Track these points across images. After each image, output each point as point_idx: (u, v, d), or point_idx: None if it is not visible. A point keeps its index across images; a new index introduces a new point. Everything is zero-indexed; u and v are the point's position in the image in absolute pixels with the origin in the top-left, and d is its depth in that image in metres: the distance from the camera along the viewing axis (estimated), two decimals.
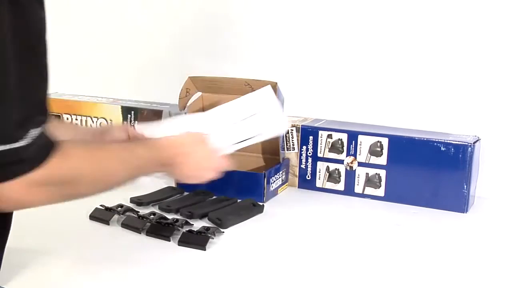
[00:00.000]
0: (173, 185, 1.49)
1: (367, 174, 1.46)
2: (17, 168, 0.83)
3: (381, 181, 1.45)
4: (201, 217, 1.30)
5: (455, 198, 1.38)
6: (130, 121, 1.71)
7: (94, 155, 0.96)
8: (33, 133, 0.83)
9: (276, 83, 1.43)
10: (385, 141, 1.43)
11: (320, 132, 1.50)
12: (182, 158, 1.09)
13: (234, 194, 1.40)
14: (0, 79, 0.80)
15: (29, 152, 0.83)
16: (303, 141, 1.51)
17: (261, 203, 1.37)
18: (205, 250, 1.15)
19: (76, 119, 1.76)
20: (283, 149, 1.52)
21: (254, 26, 1.70)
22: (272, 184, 1.45)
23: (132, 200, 1.37)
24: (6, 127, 0.81)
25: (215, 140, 1.14)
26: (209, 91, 1.56)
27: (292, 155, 1.53)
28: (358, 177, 1.47)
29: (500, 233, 1.29)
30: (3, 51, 0.80)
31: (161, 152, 1.06)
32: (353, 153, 1.47)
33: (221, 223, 1.25)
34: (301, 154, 1.52)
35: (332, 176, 1.49)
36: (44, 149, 0.86)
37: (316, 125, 1.52)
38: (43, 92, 0.86)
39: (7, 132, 0.81)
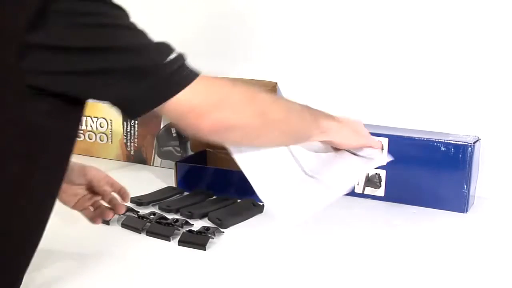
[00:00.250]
0: (173, 185, 1.49)
1: (367, 174, 1.46)
2: (189, 72, 0.90)
3: (381, 181, 1.45)
4: (201, 217, 1.30)
5: (455, 198, 1.38)
6: (130, 121, 1.71)
7: None
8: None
9: (276, 83, 1.43)
10: (385, 141, 1.43)
11: None
12: (344, 119, 1.13)
13: (234, 194, 1.40)
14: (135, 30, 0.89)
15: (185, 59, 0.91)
16: None
17: (261, 203, 1.37)
18: (205, 250, 1.15)
19: None
20: None
21: (254, 26, 1.70)
22: None
23: (132, 200, 1.37)
24: (159, 46, 0.90)
25: None
26: None
27: None
28: None
29: (500, 233, 1.29)
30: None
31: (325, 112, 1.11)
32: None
33: (221, 223, 1.25)
34: None
35: None
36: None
37: None
38: None
39: (163, 49, 0.89)
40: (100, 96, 0.86)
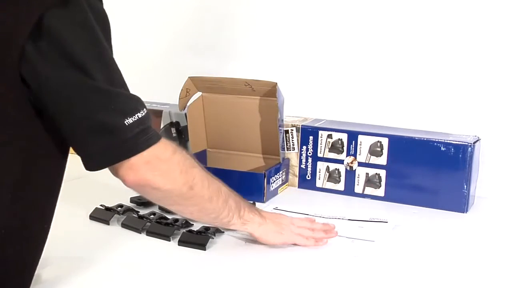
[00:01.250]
0: None
1: (367, 174, 1.46)
2: (149, 136, 0.91)
3: (381, 181, 1.45)
4: None
5: (455, 198, 1.38)
6: None
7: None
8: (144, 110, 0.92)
9: (276, 83, 1.43)
10: (385, 141, 1.43)
11: (320, 132, 1.50)
12: (269, 216, 1.19)
13: None
14: (113, 68, 0.91)
15: (150, 122, 0.92)
16: (303, 141, 1.51)
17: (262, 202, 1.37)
18: (205, 250, 1.15)
19: None
20: (283, 149, 1.52)
21: (254, 26, 1.70)
22: (272, 184, 1.45)
23: (132, 200, 1.37)
24: (128, 101, 0.91)
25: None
26: (209, 91, 1.56)
27: (292, 155, 1.53)
28: (358, 177, 1.47)
29: (500, 233, 1.29)
30: (104, 43, 0.90)
31: (252, 206, 1.19)
32: (353, 153, 1.47)
33: None
34: (301, 154, 1.52)
35: (332, 176, 1.49)
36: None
37: (316, 125, 1.52)
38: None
39: (131, 104, 0.90)
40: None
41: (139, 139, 0.90)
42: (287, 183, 1.53)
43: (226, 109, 1.56)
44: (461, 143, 1.37)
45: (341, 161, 1.48)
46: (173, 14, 1.80)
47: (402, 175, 1.43)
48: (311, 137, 1.51)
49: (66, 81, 0.86)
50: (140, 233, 1.22)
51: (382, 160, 1.44)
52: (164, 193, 0.98)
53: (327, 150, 1.49)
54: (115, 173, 0.93)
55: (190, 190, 1.00)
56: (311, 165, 1.51)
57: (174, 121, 1.66)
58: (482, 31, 1.46)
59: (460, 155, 1.37)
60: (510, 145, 1.47)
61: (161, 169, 0.94)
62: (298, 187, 1.54)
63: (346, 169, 1.48)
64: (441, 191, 1.39)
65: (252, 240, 1.19)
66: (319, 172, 1.51)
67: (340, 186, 1.49)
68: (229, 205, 1.10)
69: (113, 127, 0.88)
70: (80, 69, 0.85)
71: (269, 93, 1.47)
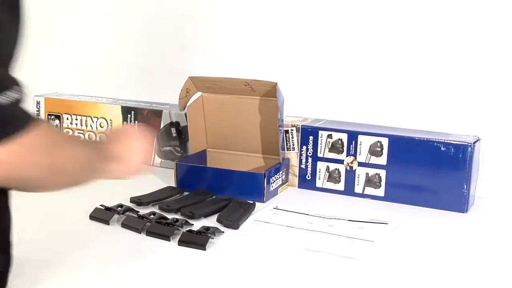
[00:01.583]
0: (173, 185, 1.49)
1: (367, 174, 1.46)
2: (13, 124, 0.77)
3: (381, 181, 1.45)
4: (205, 216, 1.30)
5: (455, 198, 1.38)
6: (130, 121, 1.71)
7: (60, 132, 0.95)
8: (13, 94, 0.76)
9: (276, 83, 1.43)
10: (385, 141, 1.43)
11: (320, 132, 1.50)
12: (116, 155, 1.02)
13: (234, 194, 1.40)
14: None
15: (16, 111, 0.77)
16: (303, 141, 1.51)
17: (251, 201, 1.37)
18: (205, 250, 1.15)
19: (76, 119, 1.76)
20: (283, 149, 1.52)
21: (255, 26, 1.70)
22: (272, 184, 1.45)
23: (132, 200, 1.37)
24: None
25: None
26: (209, 91, 1.56)
27: (292, 155, 1.53)
28: (358, 177, 1.47)
29: (500, 233, 1.29)
30: None
31: (107, 144, 1.03)
32: (353, 153, 1.47)
33: (233, 224, 1.25)
34: (301, 154, 1.52)
35: (332, 176, 1.49)
36: (27, 113, 0.80)
37: (316, 125, 1.52)
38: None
39: None
40: None
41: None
42: (287, 183, 1.53)
43: (226, 109, 1.56)
44: (461, 143, 1.37)
45: (341, 161, 1.48)
46: (173, 13, 1.79)
47: (402, 175, 1.43)
48: (311, 137, 1.51)
49: None
50: (140, 233, 1.22)
51: (382, 160, 1.44)
52: (21, 182, 0.84)
53: (327, 150, 1.49)
54: None
55: (51, 169, 0.85)
56: (311, 165, 1.51)
57: (174, 121, 1.66)
58: (482, 31, 1.46)
59: (460, 155, 1.37)
60: (510, 145, 1.48)
61: (7, 158, 0.78)
62: (298, 187, 1.54)
63: (346, 169, 1.48)
64: (441, 191, 1.39)
65: (253, 239, 1.19)
66: (319, 172, 1.51)
67: (340, 186, 1.49)
68: (95, 171, 0.96)
69: None
70: None
71: (269, 93, 1.47)
